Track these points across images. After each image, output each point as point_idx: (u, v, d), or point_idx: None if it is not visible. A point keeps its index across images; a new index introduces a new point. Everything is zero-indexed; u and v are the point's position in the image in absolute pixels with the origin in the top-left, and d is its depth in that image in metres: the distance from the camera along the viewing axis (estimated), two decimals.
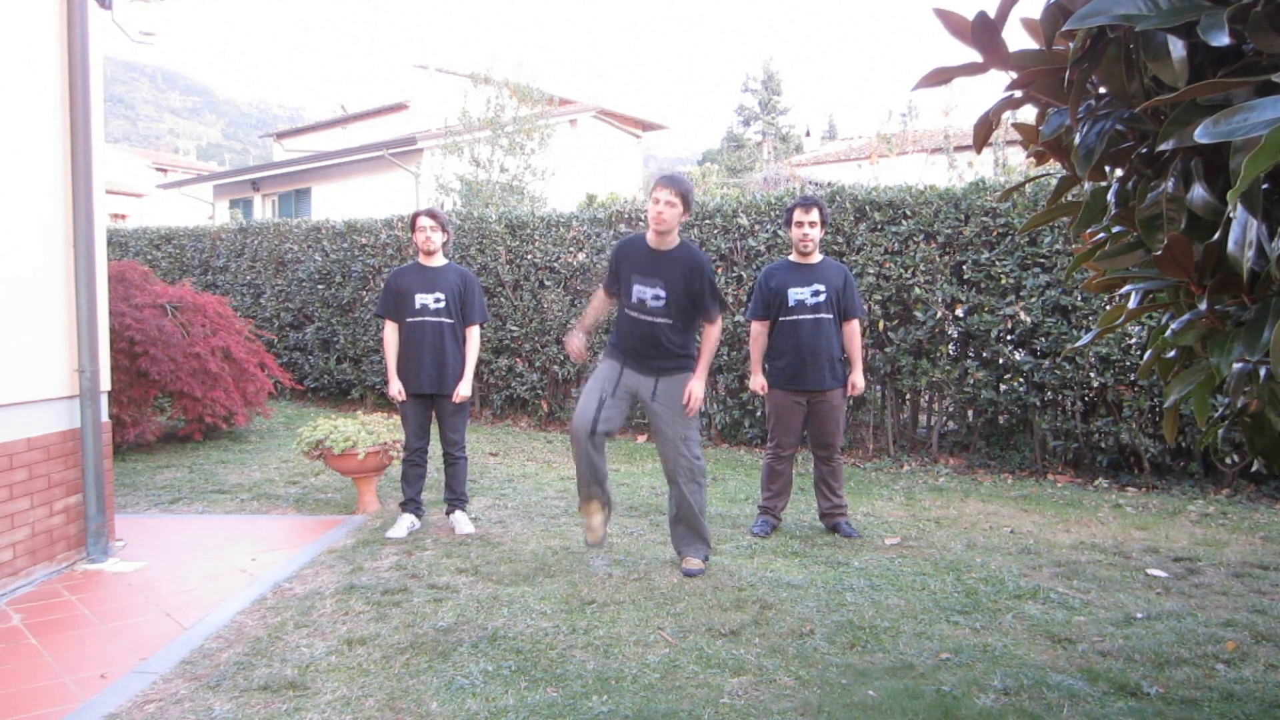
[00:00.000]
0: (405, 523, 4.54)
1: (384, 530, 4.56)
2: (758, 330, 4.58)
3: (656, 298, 3.73)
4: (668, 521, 3.99)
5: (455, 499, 4.66)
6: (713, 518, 4.89)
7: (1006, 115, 1.87)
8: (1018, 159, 11.27)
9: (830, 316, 4.38)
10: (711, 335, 3.89)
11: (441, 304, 4.56)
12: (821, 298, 4.37)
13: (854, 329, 4.51)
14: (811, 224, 4.39)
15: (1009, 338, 6.01)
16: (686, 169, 31.74)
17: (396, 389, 4.55)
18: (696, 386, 3.77)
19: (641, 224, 7.47)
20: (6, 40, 3.69)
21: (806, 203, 4.41)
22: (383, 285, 4.80)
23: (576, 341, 3.93)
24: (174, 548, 4.33)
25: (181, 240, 10.92)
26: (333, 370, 9.38)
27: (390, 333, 4.63)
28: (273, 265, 9.91)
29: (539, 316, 8.03)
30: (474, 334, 4.70)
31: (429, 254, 4.65)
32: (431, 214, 4.65)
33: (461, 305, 4.63)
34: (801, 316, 4.38)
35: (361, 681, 2.75)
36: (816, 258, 4.48)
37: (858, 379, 4.51)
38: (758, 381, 4.59)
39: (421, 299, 4.55)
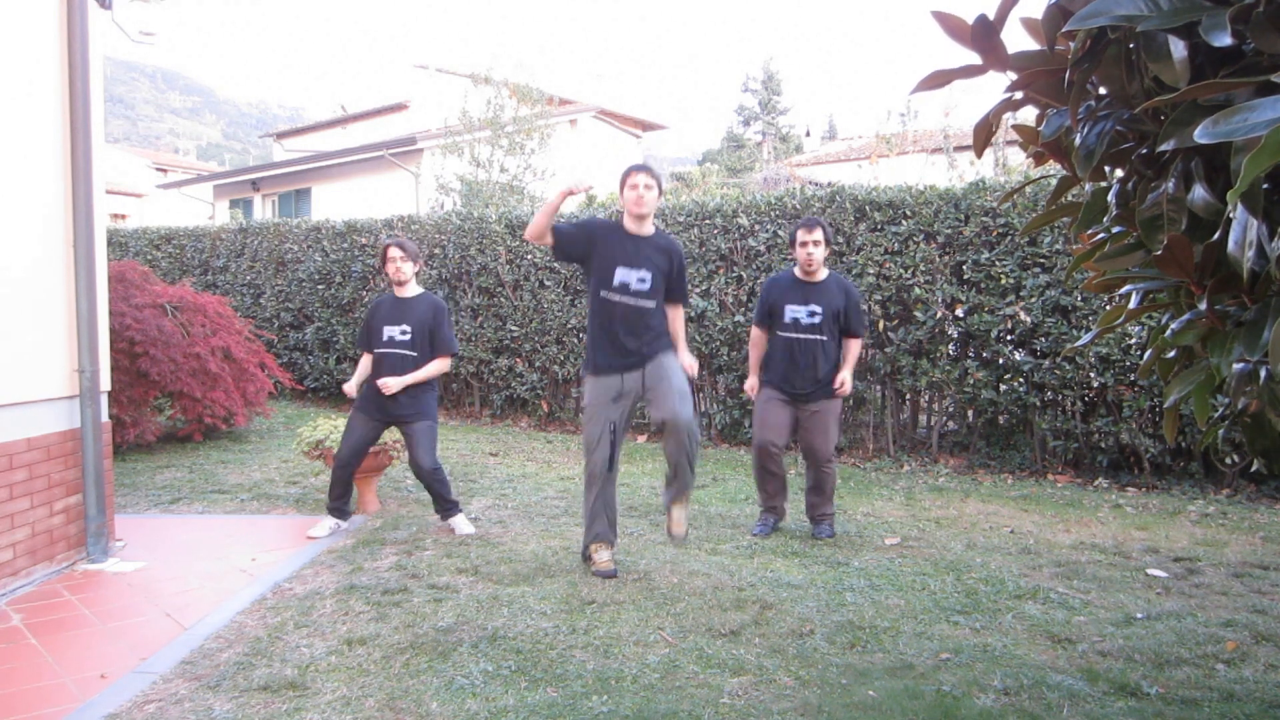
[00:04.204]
0: (328, 524, 4.56)
1: (384, 530, 4.55)
2: (757, 335, 4.65)
3: (642, 280, 3.76)
4: (664, 480, 3.95)
5: (447, 509, 4.63)
6: (712, 518, 4.89)
7: (1006, 116, 1.87)
8: (1018, 159, 11.27)
9: (824, 338, 4.42)
10: (680, 318, 3.99)
11: (407, 337, 4.58)
12: (817, 319, 4.42)
13: (854, 345, 4.53)
14: (815, 243, 4.43)
15: (1009, 338, 6.01)
16: (686, 169, 31.77)
17: (350, 391, 4.63)
18: (687, 358, 3.89)
19: None
20: (6, 40, 3.69)
21: (810, 224, 4.47)
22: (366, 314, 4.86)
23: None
24: (174, 548, 4.33)
25: (181, 240, 10.92)
26: (333, 370, 9.38)
27: (365, 356, 4.74)
28: (273, 265, 9.91)
29: (539, 316, 8.03)
30: (439, 362, 4.66)
31: (400, 284, 4.67)
32: (400, 245, 4.65)
33: (430, 338, 4.62)
34: (795, 335, 4.44)
35: (361, 681, 2.75)
36: (822, 274, 4.51)
37: (844, 376, 4.45)
38: (751, 383, 4.65)
39: (389, 331, 4.59)
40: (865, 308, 6.41)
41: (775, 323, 4.50)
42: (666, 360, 3.81)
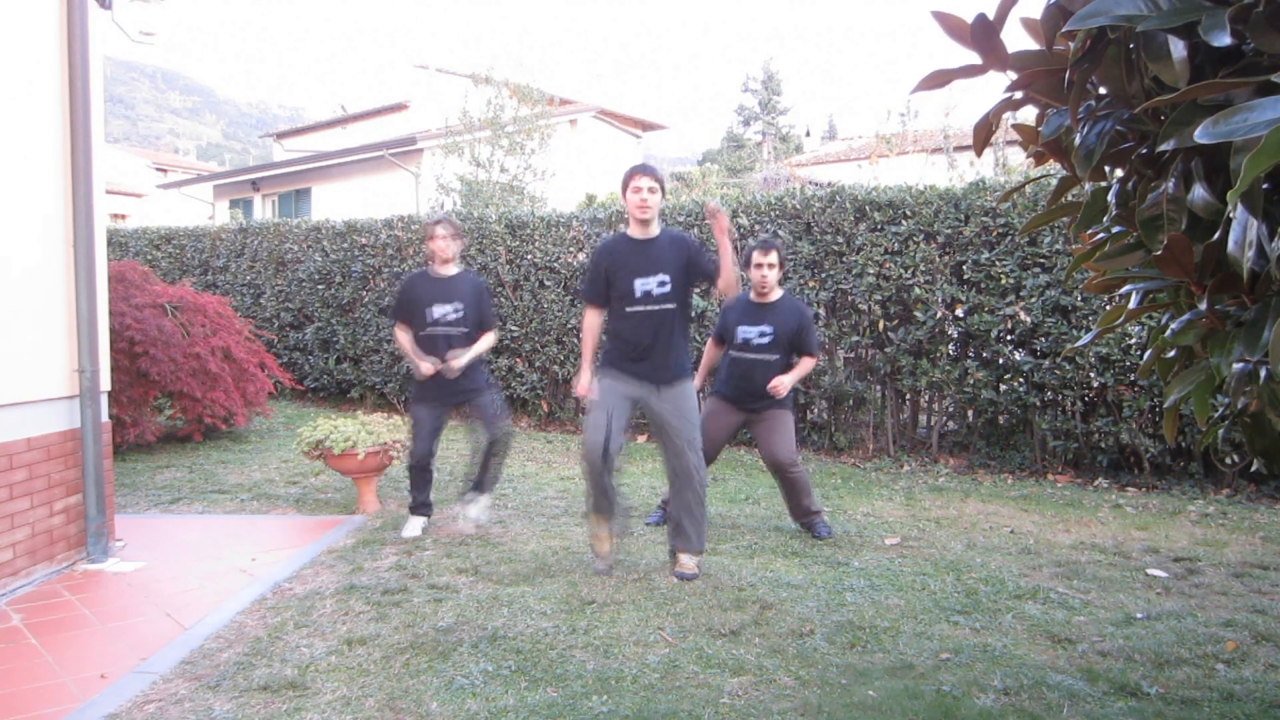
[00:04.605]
0: (418, 524, 4.55)
1: (384, 530, 4.55)
2: (711, 345, 4.78)
3: (662, 284, 3.75)
4: (669, 522, 3.97)
5: (484, 483, 4.65)
6: (712, 518, 4.88)
7: (1006, 116, 1.87)
8: (1018, 159, 11.26)
9: (775, 357, 4.46)
10: (725, 282, 3.70)
11: (459, 314, 4.54)
12: (767, 339, 4.46)
13: (805, 362, 4.54)
14: (770, 266, 4.48)
15: (1009, 338, 6.01)
16: (686, 169, 31.75)
17: (429, 367, 4.46)
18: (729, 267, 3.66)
19: None
20: (6, 40, 3.69)
21: (765, 245, 4.51)
22: (396, 289, 4.77)
23: (586, 379, 3.87)
24: (174, 548, 4.33)
25: (181, 240, 10.92)
26: (333, 370, 9.38)
27: (403, 332, 4.64)
28: (273, 265, 9.91)
29: (539, 316, 8.03)
30: (488, 336, 4.69)
31: (444, 263, 4.63)
32: (448, 223, 4.62)
33: (477, 315, 4.62)
34: (745, 355, 4.50)
35: (361, 681, 2.75)
36: (775, 295, 4.55)
37: (785, 378, 4.39)
38: (694, 384, 4.68)
39: (439, 310, 4.52)
40: (865, 308, 6.42)
41: (729, 342, 4.58)
42: (683, 401, 3.80)
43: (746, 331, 4.49)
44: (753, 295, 4.58)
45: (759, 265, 4.48)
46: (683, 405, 3.80)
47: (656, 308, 3.75)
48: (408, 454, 4.67)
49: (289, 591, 3.62)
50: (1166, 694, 2.64)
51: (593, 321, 3.95)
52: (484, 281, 4.76)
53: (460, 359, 4.46)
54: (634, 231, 3.83)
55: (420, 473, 4.58)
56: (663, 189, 3.80)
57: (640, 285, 3.74)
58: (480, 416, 4.59)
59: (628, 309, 3.77)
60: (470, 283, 4.67)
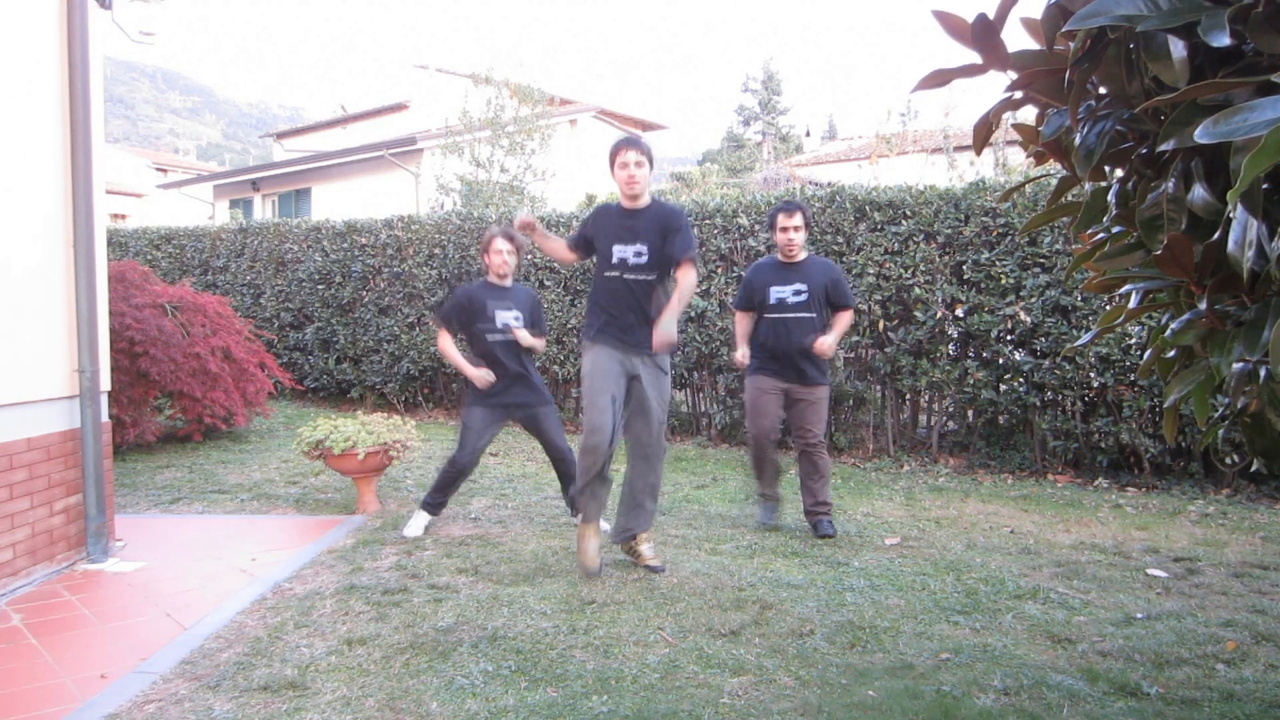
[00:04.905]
0: (420, 523, 4.52)
1: (384, 530, 4.55)
2: (741, 316, 4.71)
3: (639, 254, 3.77)
4: (620, 501, 3.93)
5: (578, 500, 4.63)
6: (712, 518, 4.89)
7: (1006, 116, 1.87)
8: (1018, 159, 11.26)
9: (813, 315, 4.43)
10: (685, 276, 3.67)
11: (519, 321, 4.58)
12: (803, 297, 4.43)
13: (844, 316, 4.53)
14: (796, 228, 4.46)
15: (1009, 338, 6.01)
16: (686, 169, 31.76)
17: (486, 376, 4.47)
18: (668, 323, 3.50)
19: None
20: (6, 40, 3.69)
21: (789, 207, 4.48)
22: (452, 297, 4.79)
23: (525, 217, 3.94)
24: (174, 548, 4.33)
25: (181, 240, 10.92)
26: (333, 370, 9.38)
27: (447, 339, 4.63)
28: (273, 265, 9.91)
29: None
30: (543, 339, 4.75)
31: (501, 276, 4.66)
32: (509, 237, 4.62)
33: (533, 324, 4.67)
34: (782, 315, 4.46)
35: (361, 681, 2.75)
36: (802, 256, 4.54)
37: (828, 337, 4.39)
38: (741, 351, 4.63)
39: (502, 316, 4.55)
40: (865, 308, 6.41)
41: (762, 307, 4.52)
42: (663, 379, 3.84)
43: (780, 291, 4.45)
44: (779, 257, 4.56)
45: (784, 229, 4.46)
46: (663, 382, 3.86)
47: (633, 277, 3.77)
48: (450, 457, 4.55)
49: (289, 591, 3.62)
50: (1166, 694, 2.64)
51: (561, 244, 4.11)
52: (538, 296, 4.82)
53: (524, 335, 4.52)
54: (625, 203, 3.88)
55: (455, 477, 4.53)
56: (650, 161, 3.82)
57: (618, 252, 3.79)
58: (545, 430, 4.61)
59: (605, 273, 3.83)
60: (527, 295, 4.77)
